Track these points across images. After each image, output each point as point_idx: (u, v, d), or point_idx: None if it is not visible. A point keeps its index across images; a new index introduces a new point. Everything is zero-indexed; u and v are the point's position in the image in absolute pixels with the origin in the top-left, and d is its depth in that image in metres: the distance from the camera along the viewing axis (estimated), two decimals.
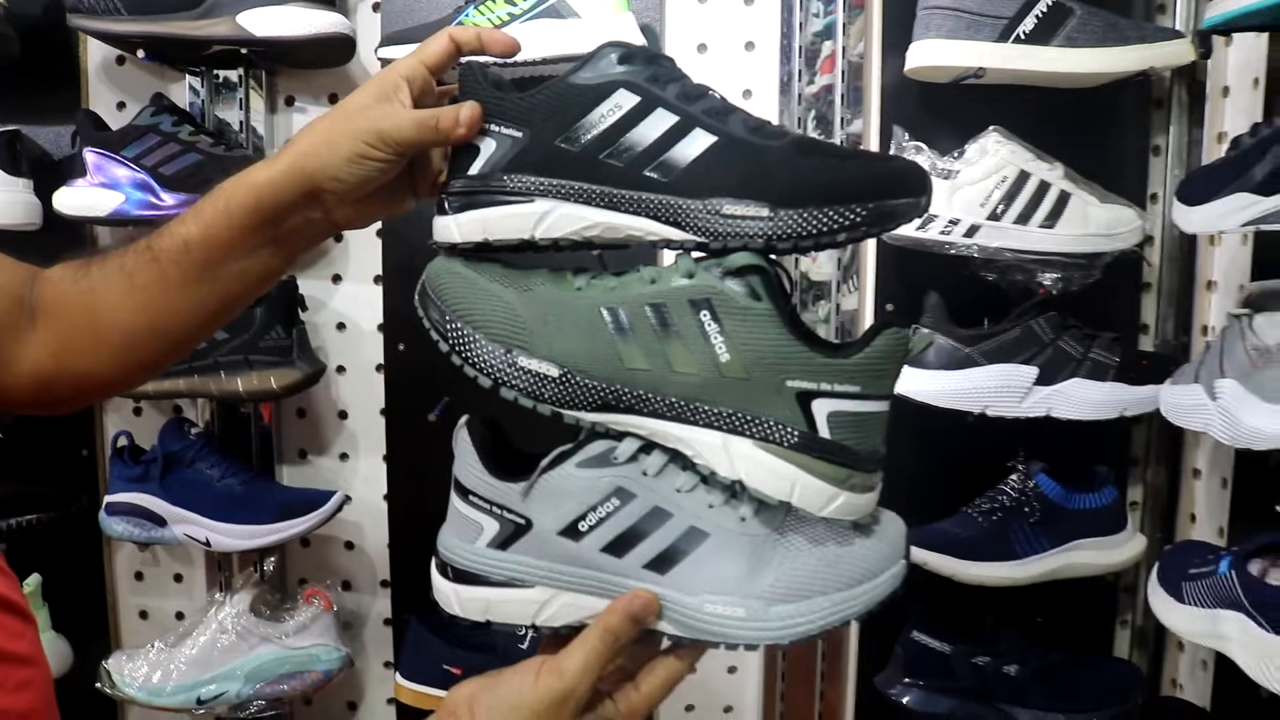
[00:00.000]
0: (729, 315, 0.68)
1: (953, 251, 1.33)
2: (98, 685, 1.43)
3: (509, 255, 0.74)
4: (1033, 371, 1.33)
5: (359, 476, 1.53)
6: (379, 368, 1.51)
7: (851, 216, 0.66)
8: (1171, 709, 1.33)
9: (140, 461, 1.43)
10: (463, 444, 0.75)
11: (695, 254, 0.69)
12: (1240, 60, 1.35)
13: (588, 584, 0.72)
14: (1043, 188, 1.33)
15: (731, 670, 1.59)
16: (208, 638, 1.43)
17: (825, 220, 0.66)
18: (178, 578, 1.58)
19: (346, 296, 1.51)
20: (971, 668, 1.40)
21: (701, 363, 0.69)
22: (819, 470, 0.68)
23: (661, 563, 0.70)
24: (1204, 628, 1.12)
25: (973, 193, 1.32)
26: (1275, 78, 1.28)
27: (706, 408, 0.69)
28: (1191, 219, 1.16)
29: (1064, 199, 1.33)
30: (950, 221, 1.32)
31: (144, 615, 1.59)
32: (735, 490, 0.71)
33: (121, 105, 1.51)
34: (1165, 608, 1.18)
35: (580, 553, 0.72)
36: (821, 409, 0.68)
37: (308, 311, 1.45)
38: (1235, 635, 1.08)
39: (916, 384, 1.34)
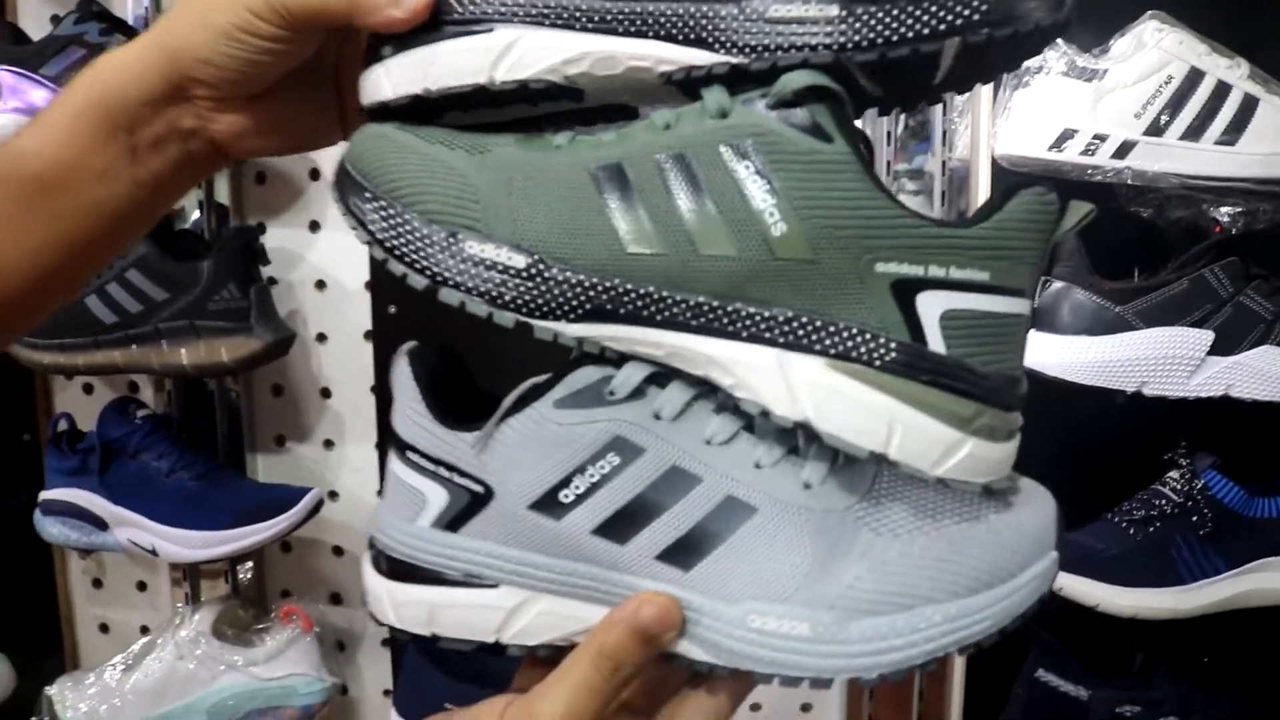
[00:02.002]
0: (785, 165, 0.45)
1: (1097, 178, 1.06)
2: None
3: (459, 118, 0.50)
4: (1207, 337, 1.04)
5: (347, 467, 1.28)
6: (367, 335, 1.24)
7: (963, 12, 0.43)
8: None
9: (78, 450, 1.18)
10: (401, 379, 0.52)
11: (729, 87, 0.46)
12: None
13: (575, 583, 0.50)
14: (1221, 90, 1.05)
15: (806, 709, 1.30)
16: (162, 665, 1.19)
17: (924, 18, 0.43)
18: (141, 586, 1.34)
19: (327, 248, 1.24)
20: (1115, 719, 1.10)
21: (745, 239, 0.45)
22: (931, 403, 0.45)
23: (684, 553, 0.48)
24: None
25: (1125, 99, 1.05)
26: None
27: (753, 310, 0.46)
28: None
29: (1250, 105, 1.05)
30: (1095, 137, 1.06)
31: (104, 629, 1.36)
32: (796, 442, 0.48)
33: (56, 19, 1.25)
34: None
35: (564, 536, 0.49)
36: (932, 306, 0.45)
37: (276, 265, 1.18)
38: None
39: (1050, 354, 1.08)
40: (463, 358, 0.55)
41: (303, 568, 1.31)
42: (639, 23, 0.46)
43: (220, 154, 0.56)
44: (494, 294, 0.46)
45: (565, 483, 0.48)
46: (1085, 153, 1.03)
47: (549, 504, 0.48)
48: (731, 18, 0.45)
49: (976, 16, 0.43)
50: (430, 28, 0.48)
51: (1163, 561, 1.06)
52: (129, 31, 1.16)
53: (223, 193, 1.23)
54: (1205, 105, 1.02)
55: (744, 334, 0.46)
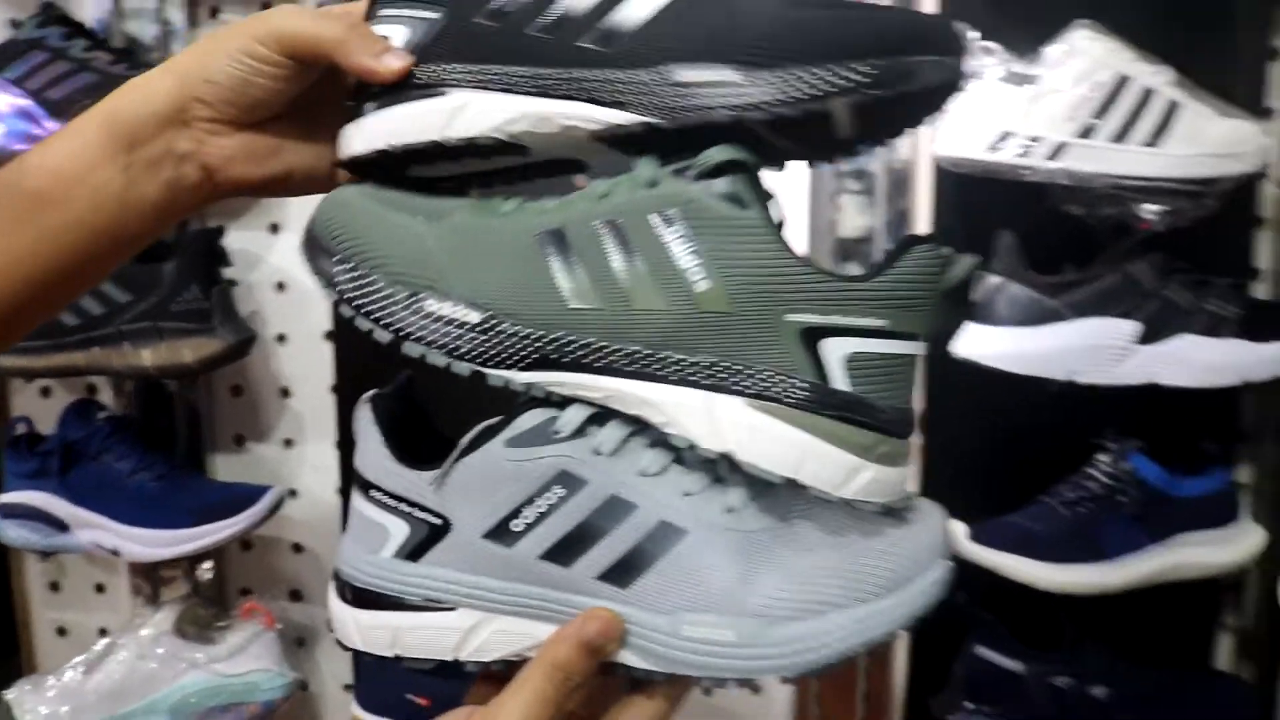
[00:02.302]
0: (706, 229, 0.51)
1: (1032, 178, 1.09)
2: None
3: (423, 169, 0.57)
4: (1134, 327, 1.09)
5: (306, 466, 1.29)
6: (328, 335, 1.26)
7: (851, 76, 0.48)
8: None
9: (37, 453, 1.18)
10: (364, 424, 0.57)
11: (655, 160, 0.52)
12: None
13: (526, 604, 0.55)
14: (1146, 96, 1.08)
15: (756, 690, 1.35)
16: (123, 664, 1.19)
17: (812, 81, 0.48)
18: (100, 588, 1.34)
19: (287, 250, 1.25)
20: (1049, 690, 1.17)
21: (672, 295, 0.51)
22: (837, 435, 0.51)
23: (624, 572, 0.53)
24: None
25: (1058, 103, 1.08)
26: None
27: (681, 357, 0.52)
28: None
29: (1173, 110, 1.09)
30: (1030, 139, 1.09)
31: (61, 632, 1.35)
32: (720, 472, 0.54)
33: (17, 24, 1.24)
34: None
35: (515, 561, 0.54)
36: (835, 351, 0.52)
37: (237, 267, 1.20)
38: None
39: (988, 344, 1.12)
40: (419, 400, 0.60)
41: (263, 565, 1.32)
42: (568, 88, 0.52)
43: (210, 181, 0.59)
44: (451, 347, 0.52)
45: (515, 513, 0.53)
46: (1021, 154, 1.07)
47: (501, 533, 0.54)
48: (645, 83, 0.50)
49: (863, 79, 0.47)
50: (399, 89, 0.54)
51: (1092, 540, 1.11)
52: (90, 36, 1.16)
53: None
54: (1132, 110, 1.07)
55: (673, 378, 0.52)
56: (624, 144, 0.53)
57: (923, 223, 1.19)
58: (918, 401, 1.16)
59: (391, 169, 0.57)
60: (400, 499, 0.56)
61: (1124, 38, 1.09)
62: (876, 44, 0.49)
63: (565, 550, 0.53)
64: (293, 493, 1.27)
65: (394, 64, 0.54)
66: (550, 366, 0.53)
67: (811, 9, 0.50)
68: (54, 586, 1.34)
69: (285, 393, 1.28)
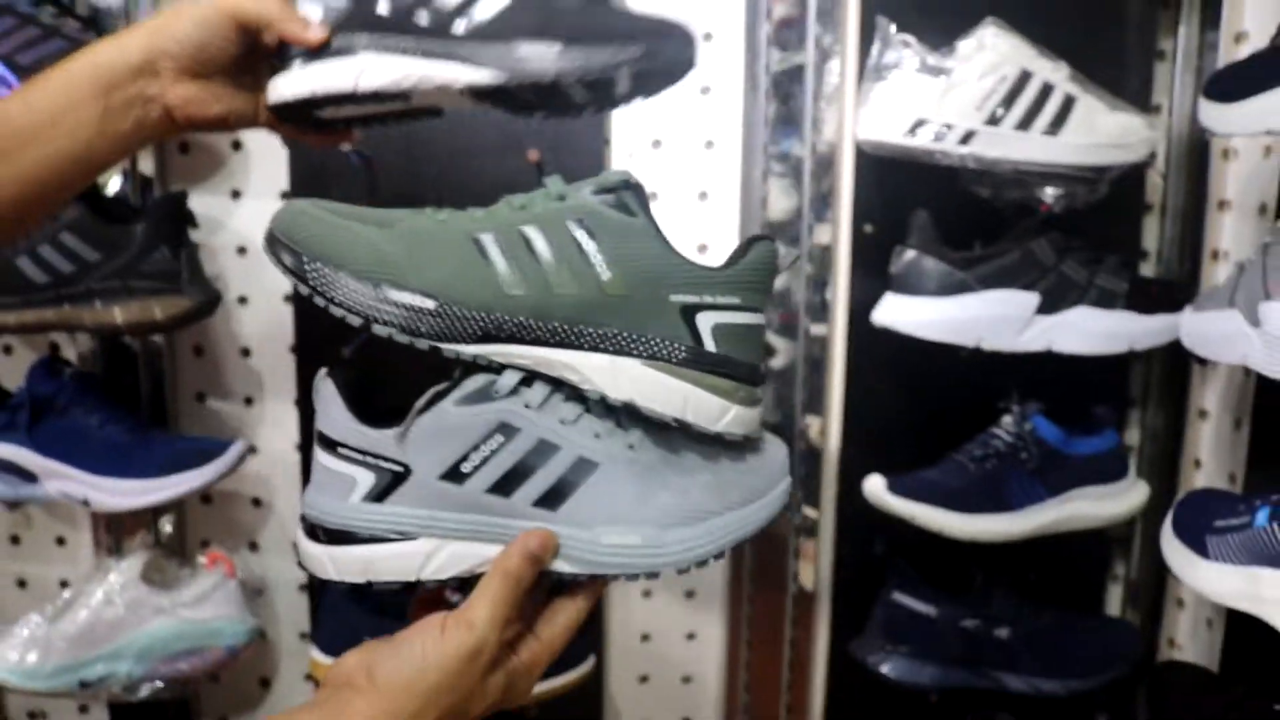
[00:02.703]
0: (606, 232, 0.68)
1: (945, 161, 1.17)
2: None
3: (329, 116, 0.81)
4: (1034, 299, 1.19)
5: (266, 422, 1.34)
6: (287, 298, 1.31)
7: (631, 51, 0.70)
8: (1180, 674, 1.20)
9: (5, 408, 1.22)
10: (326, 394, 0.71)
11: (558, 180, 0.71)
12: None
13: (476, 529, 0.69)
14: (1046, 90, 1.18)
15: (691, 637, 1.44)
16: (91, 611, 1.24)
17: (609, 54, 0.70)
18: (60, 540, 1.38)
19: (248, 215, 1.30)
20: (960, 632, 1.27)
21: (583, 283, 0.68)
22: (709, 384, 0.70)
23: (552, 498, 0.69)
24: (1237, 588, 0.97)
25: (968, 94, 1.17)
26: None
27: (591, 330, 0.68)
28: (1229, 118, 1.00)
29: (1069, 103, 1.18)
30: (943, 126, 1.17)
31: (22, 584, 1.39)
32: (620, 417, 0.71)
33: None
34: (1186, 564, 1.03)
35: (465, 496, 0.68)
36: (705, 322, 0.69)
37: (200, 231, 1.25)
38: (1278, 597, 0.94)
39: (904, 313, 1.20)
40: (362, 371, 0.74)
41: (222, 519, 1.37)
42: (445, 54, 0.73)
43: (169, 119, 0.76)
44: (412, 327, 0.66)
45: (465, 458, 0.68)
46: (935, 139, 1.15)
47: (454, 474, 0.68)
48: (499, 54, 0.72)
49: (638, 54, 0.70)
50: (319, 52, 0.75)
51: (997, 493, 1.21)
52: (57, 3, 1.20)
53: (147, 165, 1.29)
54: (1034, 101, 1.15)
55: (586, 346, 0.68)
56: (480, 97, 0.76)
57: (845, 202, 1.28)
58: (839, 366, 1.27)
59: (307, 111, 0.79)
60: (366, 453, 0.68)
61: (1027, 36, 1.17)
62: (646, 31, 0.71)
63: (505, 484, 0.68)
64: (252, 449, 1.32)
65: (318, 33, 0.75)
66: (491, 340, 0.67)
67: (604, 7, 0.73)
68: (14, 540, 1.38)
69: (246, 352, 1.33)
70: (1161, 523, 1.08)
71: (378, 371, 0.73)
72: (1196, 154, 1.28)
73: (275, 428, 1.34)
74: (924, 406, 1.31)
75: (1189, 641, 1.31)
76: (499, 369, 0.68)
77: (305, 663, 1.39)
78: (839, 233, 1.29)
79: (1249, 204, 1.22)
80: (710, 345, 0.69)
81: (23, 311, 1.17)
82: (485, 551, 0.68)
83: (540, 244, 0.67)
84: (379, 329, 0.65)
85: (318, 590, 1.36)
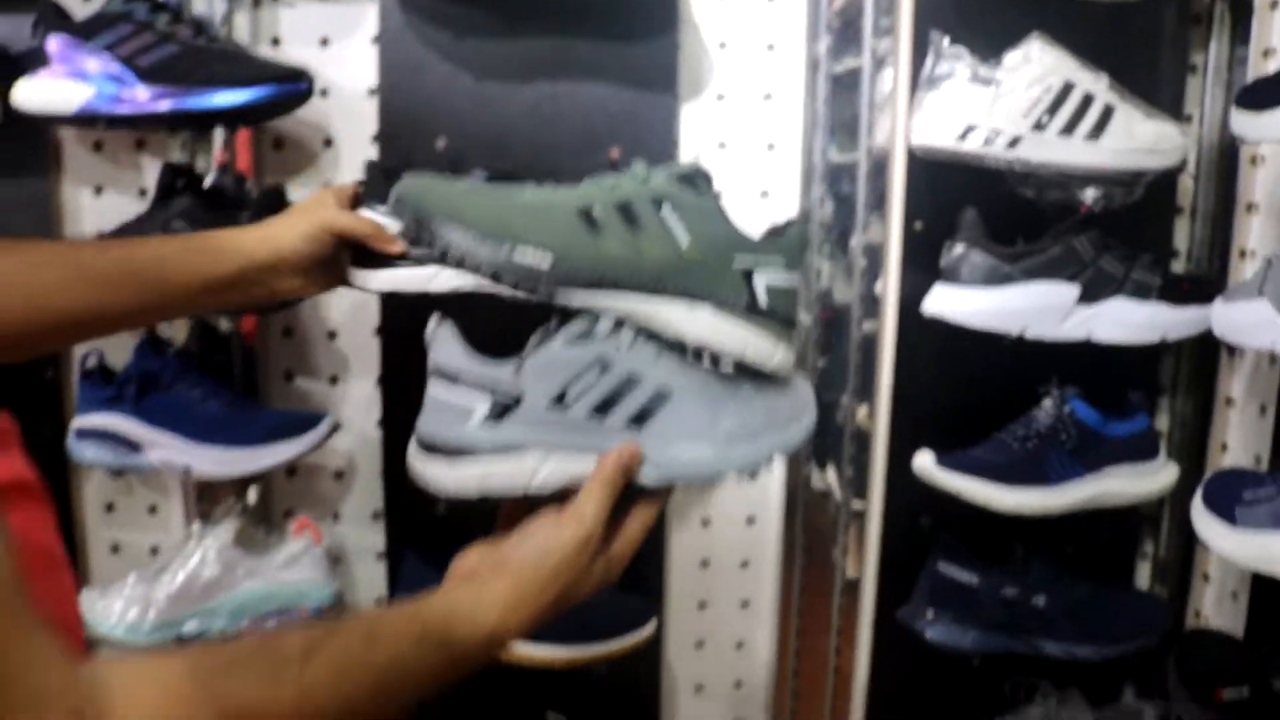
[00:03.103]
0: (685, 209, 0.83)
1: (992, 164, 1.27)
2: None
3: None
4: (1075, 290, 1.28)
5: (349, 401, 1.43)
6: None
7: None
8: (1207, 640, 1.29)
9: (113, 382, 1.31)
10: (445, 334, 0.84)
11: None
12: None
13: (575, 445, 0.82)
14: (1087, 99, 1.27)
15: (745, 605, 1.53)
16: (189, 571, 1.33)
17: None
18: (152, 509, 1.47)
19: None
20: (1000, 600, 1.36)
21: (667, 249, 0.83)
22: (764, 330, 0.86)
23: (640, 419, 0.83)
24: (1261, 552, 1.07)
25: (1016, 102, 1.26)
26: None
27: (674, 284, 0.83)
28: (1260, 125, 1.10)
29: (1109, 112, 1.27)
30: (992, 132, 1.26)
31: (115, 549, 1.48)
32: (692, 355, 0.86)
33: None
34: (1216, 533, 1.13)
35: (568, 419, 0.82)
36: (760, 282, 0.86)
37: None
38: None
39: (953, 303, 1.29)
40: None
41: (306, 490, 1.46)
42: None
43: (270, 295, 0.95)
44: (533, 280, 0.80)
45: (569, 387, 0.81)
46: (985, 144, 1.24)
47: (560, 401, 0.82)
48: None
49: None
50: (400, 259, 0.96)
51: (1039, 469, 1.30)
52: (170, 10, 1.29)
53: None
54: (1076, 110, 1.24)
55: (669, 296, 0.83)
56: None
57: (897, 201, 1.37)
58: (889, 355, 1.36)
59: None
60: (484, 382, 0.82)
61: (1070, 50, 1.27)
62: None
63: (601, 409, 0.82)
64: (336, 425, 1.40)
65: (400, 247, 0.95)
66: (594, 290, 0.82)
67: None
68: (109, 507, 1.46)
69: (332, 335, 1.42)
70: (1189, 504, 1.17)
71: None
72: (1226, 160, 1.37)
73: (358, 406, 1.43)
74: (969, 394, 1.40)
75: (1215, 614, 1.40)
76: (596, 317, 0.83)
77: None
78: (890, 230, 1.38)
79: (1275, 206, 1.31)
80: (764, 300, 0.86)
81: None
82: (584, 465, 0.82)
83: (634, 216, 0.82)
84: (506, 281, 0.80)
85: (394, 558, 1.45)
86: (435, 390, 0.84)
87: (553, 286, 0.81)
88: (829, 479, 2.15)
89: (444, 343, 0.84)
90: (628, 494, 0.82)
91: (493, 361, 0.82)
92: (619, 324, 0.84)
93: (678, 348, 0.85)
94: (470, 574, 0.78)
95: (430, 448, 0.83)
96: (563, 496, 0.81)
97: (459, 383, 0.82)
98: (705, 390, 0.85)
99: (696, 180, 0.86)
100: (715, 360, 0.86)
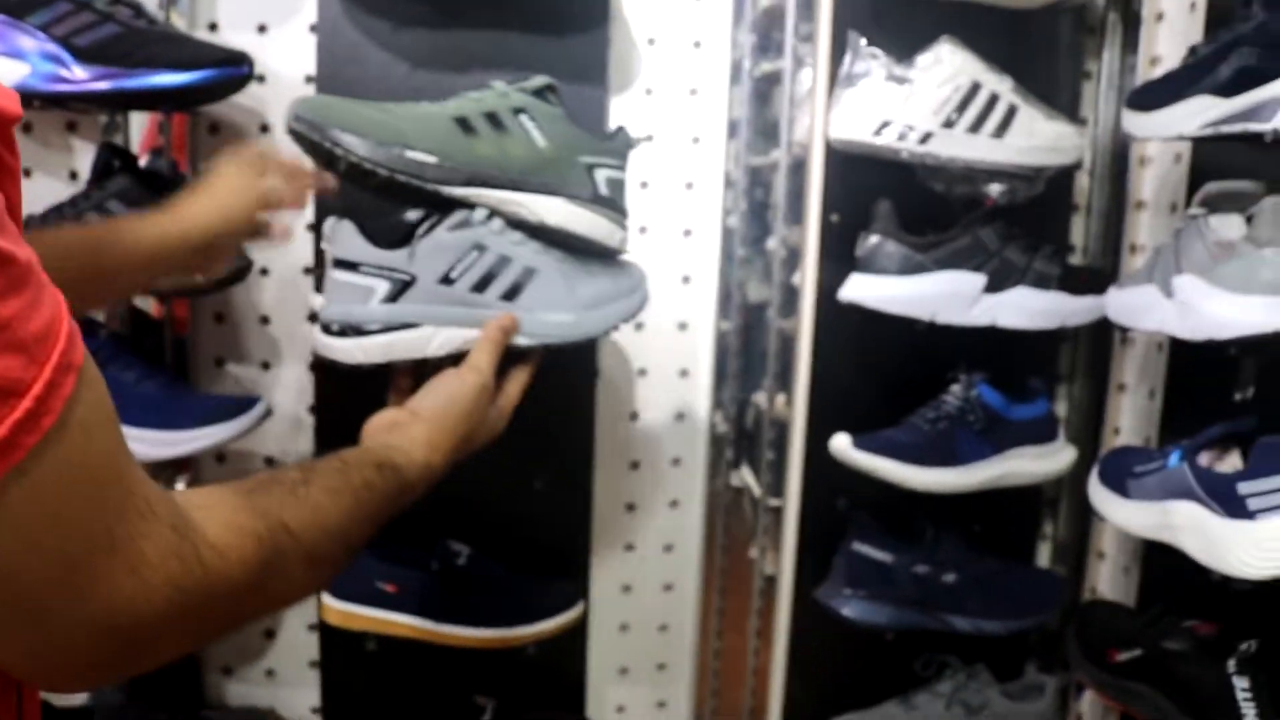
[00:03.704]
0: (539, 116, 1.05)
1: (906, 158, 1.34)
2: None
3: None
4: (981, 279, 1.35)
5: (281, 385, 1.44)
6: (306, 270, 1.41)
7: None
8: (1102, 608, 1.37)
9: None
10: (345, 229, 1.02)
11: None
12: None
13: (462, 318, 1.02)
14: (993, 99, 1.35)
15: (668, 588, 1.57)
16: None
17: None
18: None
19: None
20: (912, 577, 1.42)
21: (527, 149, 1.04)
22: (606, 215, 1.08)
23: (512, 293, 1.03)
24: (1153, 520, 1.15)
25: (927, 100, 1.34)
26: (1215, 0, 1.32)
27: (534, 179, 1.04)
28: (1148, 124, 1.19)
29: (1013, 111, 1.36)
30: (905, 127, 1.33)
31: None
32: (551, 239, 1.06)
33: None
34: (1111, 505, 1.21)
35: (454, 294, 1.02)
36: (601, 176, 1.07)
37: None
38: (1187, 524, 1.10)
39: (870, 289, 1.35)
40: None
41: (237, 476, 1.45)
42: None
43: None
44: (421, 175, 0.99)
45: (453, 267, 1.01)
46: (899, 139, 1.32)
47: (446, 280, 1.01)
48: None
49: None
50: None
51: (949, 449, 1.37)
52: None
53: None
54: (982, 109, 1.33)
55: (531, 190, 1.04)
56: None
57: (815, 194, 1.44)
58: (806, 345, 1.41)
59: None
60: (381, 267, 1.00)
61: (977, 52, 1.35)
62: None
63: (480, 286, 1.02)
64: (269, 410, 1.41)
65: (331, 182, 1.11)
66: (473, 184, 1.01)
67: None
68: None
69: (264, 320, 1.43)
70: (1085, 486, 1.25)
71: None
72: (1118, 161, 1.47)
73: (290, 391, 1.44)
74: (883, 380, 1.47)
75: (1109, 589, 1.48)
76: (472, 207, 1.02)
77: (310, 614, 1.48)
78: (809, 222, 1.45)
79: (1162, 203, 1.41)
80: (604, 190, 1.07)
81: None
82: (469, 333, 1.01)
83: (500, 122, 1.03)
84: (401, 178, 0.98)
85: None
86: (337, 277, 1.01)
87: (437, 183, 0.99)
88: (746, 477, 2.21)
89: (344, 237, 1.01)
90: (507, 358, 1.01)
91: (387, 251, 1.00)
92: (491, 214, 1.03)
93: (539, 234, 1.05)
94: (389, 425, 0.92)
95: (338, 330, 1.01)
96: (454, 361, 0.99)
97: (359, 270, 1.00)
98: (563, 268, 1.05)
99: (546, 94, 1.06)
100: (569, 244, 1.07)
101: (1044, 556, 1.59)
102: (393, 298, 0.99)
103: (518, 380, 1.03)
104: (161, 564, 0.50)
